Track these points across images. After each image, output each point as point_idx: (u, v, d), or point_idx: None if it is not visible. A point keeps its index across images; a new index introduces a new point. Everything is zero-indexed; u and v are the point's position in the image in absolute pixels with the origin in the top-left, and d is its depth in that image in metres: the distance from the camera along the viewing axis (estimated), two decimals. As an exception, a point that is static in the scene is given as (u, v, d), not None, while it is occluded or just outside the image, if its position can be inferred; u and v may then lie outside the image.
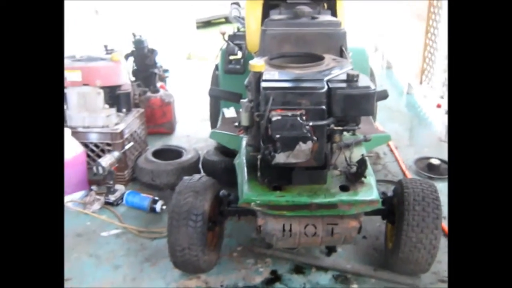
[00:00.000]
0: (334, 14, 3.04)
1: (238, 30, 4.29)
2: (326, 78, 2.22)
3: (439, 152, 4.14)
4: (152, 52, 4.86)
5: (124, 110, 3.76)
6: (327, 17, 2.87)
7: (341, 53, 2.69)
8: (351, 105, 2.15)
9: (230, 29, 4.37)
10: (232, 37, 4.06)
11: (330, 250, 2.76)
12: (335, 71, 2.31)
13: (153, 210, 3.23)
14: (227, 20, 12.14)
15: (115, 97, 3.72)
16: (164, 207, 3.21)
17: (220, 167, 3.46)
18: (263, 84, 2.17)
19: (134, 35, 4.82)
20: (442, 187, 3.50)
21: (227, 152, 3.48)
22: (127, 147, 3.60)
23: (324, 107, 2.14)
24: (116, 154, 3.43)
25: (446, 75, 4.68)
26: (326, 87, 2.16)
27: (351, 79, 2.17)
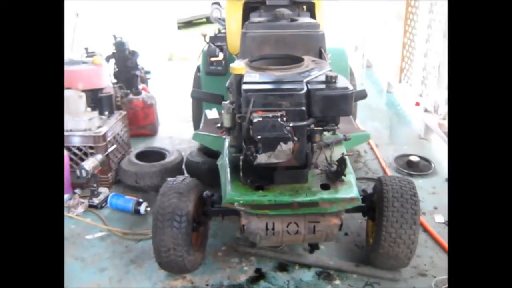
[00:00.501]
0: (313, 16, 3.09)
1: (219, 31, 4.32)
2: (305, 80, 2.26)
3: (418, 149, 4.24)
4: (133, 54, 4.86)
5: (106, 112, 3.76)
6: (306, 19, 2.92)
7: (320, 55, 2.74)
8: (330, 106, 2.20)
9: (211, 29, 4.39)
10: (213, 39, 4.09)
11: (313, 247, 2.81)
12: (314, 73, 2.36)
13: (137, 212, 3.25)
14: (208, 20, 12.09)
15: (97, 100, 3.72)
16: (148, 208, 3.23)
17: (204, 168, 3.50)
18: (244, 87, 2.21)
19: (115, 37, 4.82)
20: (421, 184, 3.61)
21: (210, 153, 3.51)
22: (110, 149, 3.61)
23: (304, 108, 2.19)
24: (99, 157, 3.43)
25: (424, 73, 4.79)
26: (305, 88, 2.20)
27: (329, 81, 2.22)
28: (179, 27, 9.80)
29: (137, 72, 4.84)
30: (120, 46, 4.77)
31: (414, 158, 3.93)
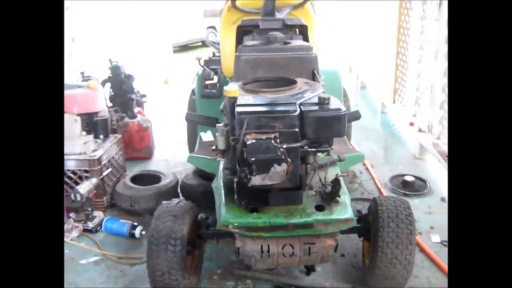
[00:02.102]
0: (305, 39, 3.13)
1: (214, 55, 4.36)
2: (298, 102, 2.28)
3: (413, 169, 4.25)
4: (129, 77, 4.90)
5: (101, 136, 3.77)
6: (299, 42, 2.95)
7: (313, 77, 2.76)
8: (323, 127, 2.21)
9: (206, 53, 4.44)
10: (208, 62, 4.12)
11: (309, 269, 2.77)
12: (307, 94, 2.38)
13: (132, 235, 3.23)
14: (203, 44, 12.23)
15: (92, 124, 3.73)
16: (144, 232, 3.21)
17: (199, 191, 3.49)
18: (238, 109, 2.23)
19: (111, 61, 4.86)
20: (417, 203, 3.61)
21: (205, 176, 3.51)
22: (105, 173, 3.61)
23: (297, 129, 2.20)
24: (94, 180, 3.43)
25: (417, 94, 4.83)
26: (298, 110, 2.22)
27: (322, 102, 2.24)
28: (174, 51, 9.89)
29: (133, 96, 4.87)
30: (115, 70, 4.81)
31: (409, 178, 3.93)
